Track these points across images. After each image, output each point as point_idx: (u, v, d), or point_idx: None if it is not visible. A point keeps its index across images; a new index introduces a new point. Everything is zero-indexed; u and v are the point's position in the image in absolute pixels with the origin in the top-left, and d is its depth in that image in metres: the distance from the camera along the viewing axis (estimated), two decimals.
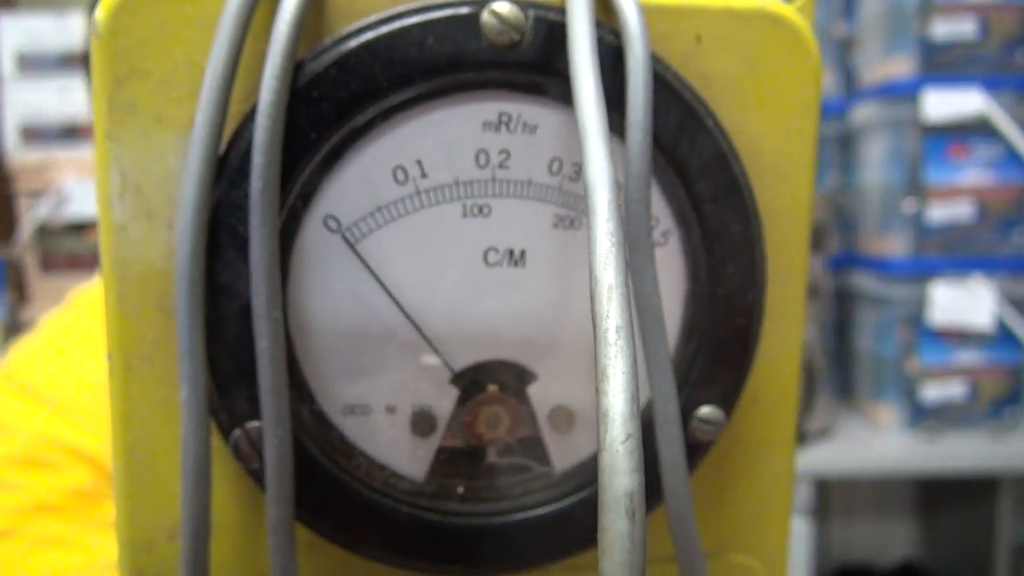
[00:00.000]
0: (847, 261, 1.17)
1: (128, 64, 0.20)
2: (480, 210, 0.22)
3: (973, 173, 1.03)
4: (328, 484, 0.22)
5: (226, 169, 0.20)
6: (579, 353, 0.23)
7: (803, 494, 1.02)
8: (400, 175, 0.22)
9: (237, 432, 0.21)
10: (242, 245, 0.20)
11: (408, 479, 0.23)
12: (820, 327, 1.04)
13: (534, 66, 0.21)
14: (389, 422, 0.23)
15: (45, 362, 0.58)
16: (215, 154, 0.20)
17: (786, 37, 0.23)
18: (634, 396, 0.14)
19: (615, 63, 0.21)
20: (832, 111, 1.17)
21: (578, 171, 0.22)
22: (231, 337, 0.20)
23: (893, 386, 1.06)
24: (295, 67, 0.20)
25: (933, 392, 1.05)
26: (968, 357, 1.05)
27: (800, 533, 1.01)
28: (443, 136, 0.22)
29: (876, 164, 1.11)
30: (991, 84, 1.01)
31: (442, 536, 0.22)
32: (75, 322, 0.60)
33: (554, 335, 0.23)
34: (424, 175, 0.22)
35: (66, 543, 0.51)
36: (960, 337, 1.04)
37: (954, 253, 1.04)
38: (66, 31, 1.28)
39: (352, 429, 0.23)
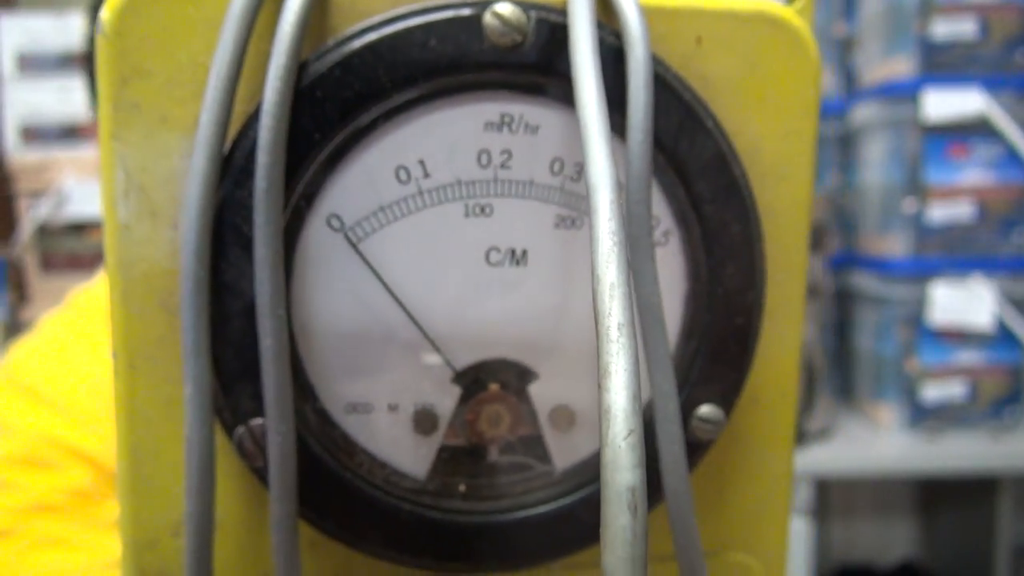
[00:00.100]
0: (847, 261, 1.17)
1: (133, 64, 0.20)
2: (482, 210, 0.22)
3: (973, 173, 1.03)
4: (331, 482, 0.22)
5: (230, 169, 0.20)
6: (580, 352, 0.23)
7: (803, 494, 1.02)
8: (403, 175, 0.22)
9: (241, 430, 0.21)
10: (246, 244, 0.20)
11: (410, 477, 0.23)
12: (820, 327, 1.04)
13: (536, 67, 0.21)
14: (391, 420, 0.23)
15: (45, 362, 0.58)
16: (219, 154, 0.20)
17: (786, 39, 0.23)
18: (636, 392, 0.14)
19: (616, 64, 0.21)
20: (832, 111, 1.17)
21: (579, 171, 0.22)
22: (235, 335, 0.21)
23: (893, 386, 1.07)
24: (299, 67, 0.20)
25: (933, 392, 1.05)
26: (968, 357, 1.05)
27: (800, 533, 1.01)
28: (445, 136, 0.22)
29: (876, 164, 1.11)
30: (991, 84, 1.01)
31: (444, 534, 0.23)
32: (75, 322, 0.60)
33: (555, 335, 0.23)
34: (426, 175, 0.22)
35: (66, 543, 0.51)
36: (960, 337, 1.04)
37: (954, 253, 1.04)
38: (66, 31, 1.28)
39: (355, 427, 0.23)
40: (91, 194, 1.26)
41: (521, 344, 0.23)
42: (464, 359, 0.23)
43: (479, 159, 0.22)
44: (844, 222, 1.18)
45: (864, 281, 1.13)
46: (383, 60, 0.20)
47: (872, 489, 1.36)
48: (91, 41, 0.64)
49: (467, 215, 0.22)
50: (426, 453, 0.23)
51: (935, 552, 1.33)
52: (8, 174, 1.28)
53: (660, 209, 0.23)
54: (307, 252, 0.22)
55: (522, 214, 0.22)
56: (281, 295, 0.20)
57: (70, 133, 1.30)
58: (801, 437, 1.00)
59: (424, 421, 0.23)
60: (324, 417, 0.22)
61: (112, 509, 0.53)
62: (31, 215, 1.26)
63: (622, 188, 0.19)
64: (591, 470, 0.24)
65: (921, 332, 1.04)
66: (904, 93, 1.03)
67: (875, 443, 1.05)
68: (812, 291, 1.02)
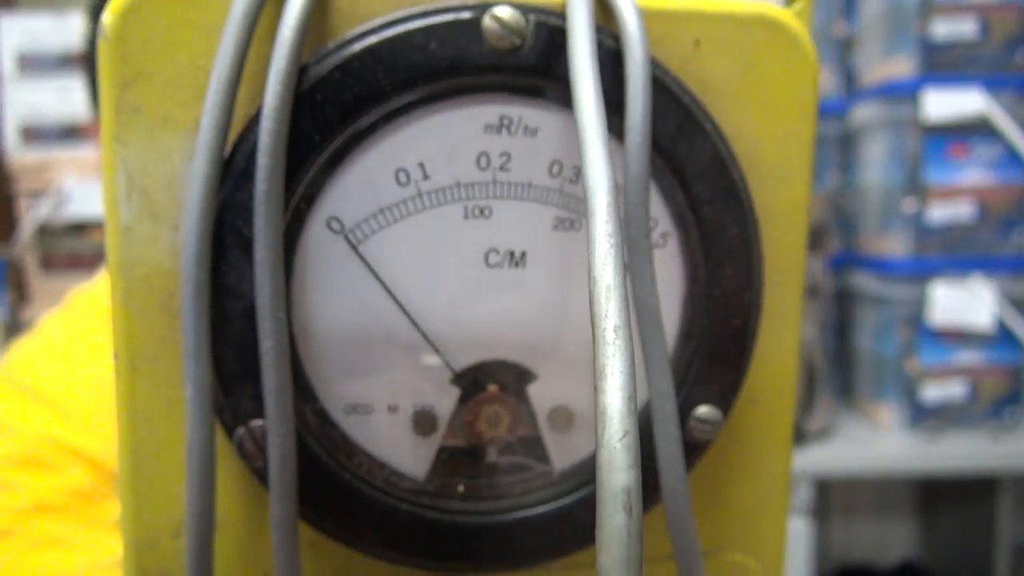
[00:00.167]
0: (847, 261, 1.17)
1: (135, 67, 0.20)
2: (481, 212, 0.22)
3: (973, 173, 1.03)
4: (330, 482, 0.22)
5: (231, 171, 0.20)
6: (578, 354, 0.23)
7: (803, 494, 1.02)
8: (402, 177, 0.22)
9: (241, 431, 0.21)
10: (247, 246, 0.20)
11: (409, 478, 0.23)
12: (820, 327, 1.04)
13: (535, 70, 0.21)
14: (391, 421, 0.23)
15: (45, 362, 0.58)
16: (220, 156, 0.20)
17: (783, 41, 0.23)
18: (632, 394, 0.14)
19: (615, 67, 0.21)
20: (832, 111, 1.17)
21: (578, 173, 0.23)
22: (235, 337, 0.21)
23: (893, 386, 1.07)
24: (299, 70, 0.20)
25: (933, 392, 1.05)
26: (968, 357, 1.05)
27: (800, 533, 1.01)
28: (445, 138, 0.22)
29: (876, 164, 1.11)
30: (991, 84, 1.01)
31: (443, 534, 0.23)
32: (74, 322, 0.60)
33: (554, 336, 0.23)
34: (426, 177, 0.22)
35: (66, 543, 0.51)
36: (960, 337, 1.04)
37: (954, 253, 1.04)
38: (66, 31, 1.28)
39: (354, 428, 0.23)
40: (91, 194, 1.26)
41: (520, 345, 0.23)
42: (463, 360, 0.23)
43: (478, 161, 0.22)
44: (844, 222, 1.18)
45: (864, 281, 1.13)
46: (383, 63, 0.21)
47: (872, 489, 1.37)
48: (91, 42, 0.64)
49: (466, 217, 0.22)
50: (425, 454, 0.23)
51: (935, 552, 1.33)
52: (8, 174, 1.28)
53: (658, 211, 0.23)
54: (307, 254, 0.22)
55: (521, 216, 0.22)
56: (281, 297, 0.20)
57: (70, 133, 1.30)
58: (801, 437, 1.00)
59: (423, 422, 0.23)
60: (324, 418, 0.23)
61: (112, 509, 0.53)
62: (31, 215, 1.26)
63: (620, 190, 0.20)
64: (590, 471, 0.24)
65: (921, 332, 1.04)
66: (904, 93, 1.03)
67: (875, 443, 1.05)
68: (812, 291, 1.02)
